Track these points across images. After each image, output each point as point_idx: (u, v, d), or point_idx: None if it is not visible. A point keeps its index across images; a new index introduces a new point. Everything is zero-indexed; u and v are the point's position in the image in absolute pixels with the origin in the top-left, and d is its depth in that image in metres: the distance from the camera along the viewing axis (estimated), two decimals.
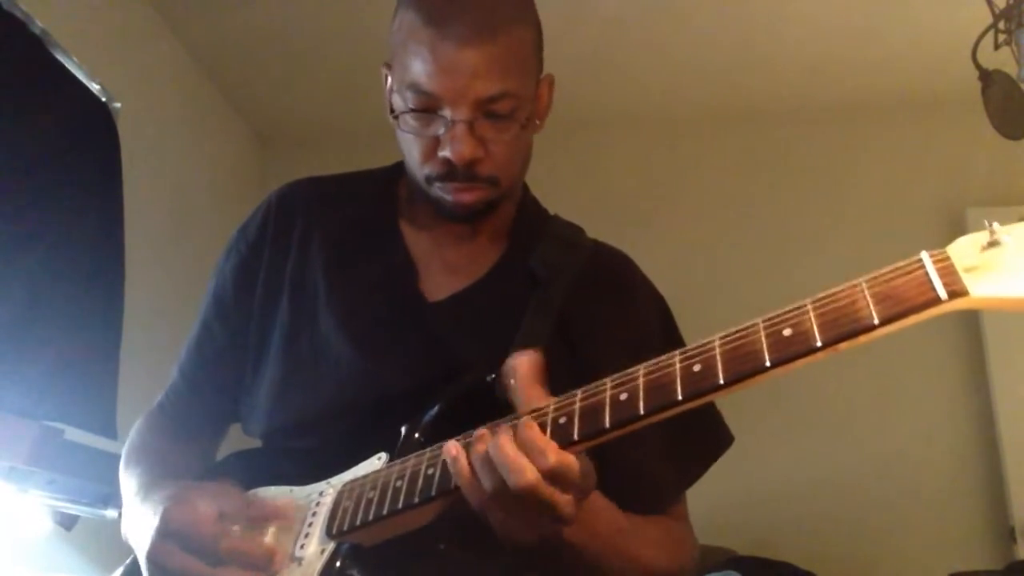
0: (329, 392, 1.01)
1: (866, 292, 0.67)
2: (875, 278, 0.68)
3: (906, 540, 2.81)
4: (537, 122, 1.06)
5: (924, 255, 0.67)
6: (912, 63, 3.10)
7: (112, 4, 2.75)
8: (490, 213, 1.05)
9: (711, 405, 1.03)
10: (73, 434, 2.01)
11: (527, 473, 0.72)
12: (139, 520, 0.96)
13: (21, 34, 2.17)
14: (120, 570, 1.04)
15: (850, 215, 3.26)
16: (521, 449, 0.74)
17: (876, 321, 0.65)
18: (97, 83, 2.43)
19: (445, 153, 0.96)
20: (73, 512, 2.02)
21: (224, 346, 1.13)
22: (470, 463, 0.77)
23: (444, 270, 1.07)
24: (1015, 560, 2.66)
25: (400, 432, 0.92)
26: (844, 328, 0.66)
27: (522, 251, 1.08)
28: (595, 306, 1.05)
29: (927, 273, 0.65)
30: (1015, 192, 3.06)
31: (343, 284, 1.07)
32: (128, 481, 1.08)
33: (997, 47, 2.10)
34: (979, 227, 0.69)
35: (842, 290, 0.69)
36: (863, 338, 0.66)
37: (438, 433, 0.88)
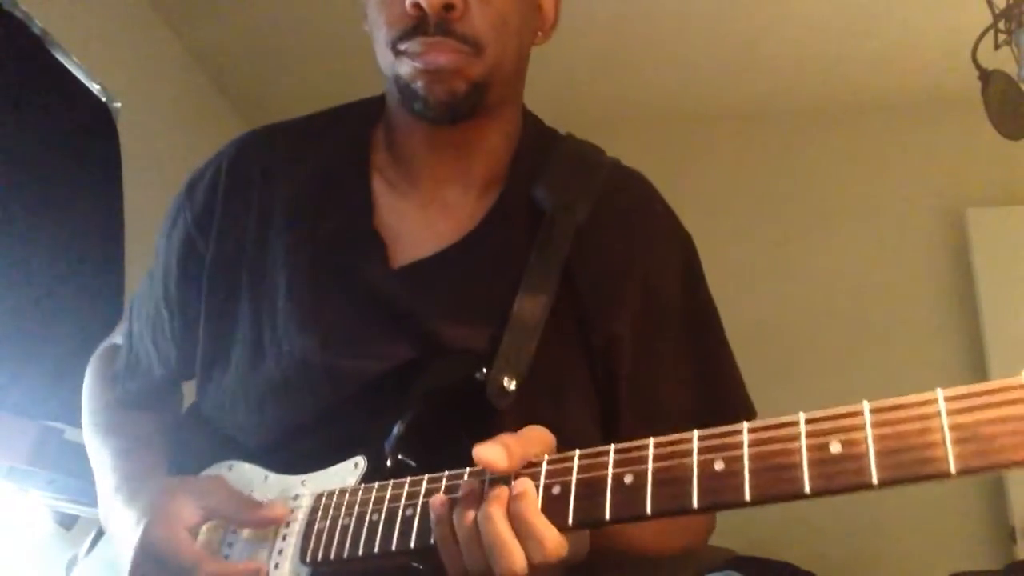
0: (302, 397, 0.89)
1: (944, 423, 0.51)
2: (959, 399, 0.52)
3: (906, 540, 2.81)
4: (539, 33, 0.96)
5: None
6: (912, 63, 3.10)
7: (112, 4, 2.75)
8: (477, 114, 0.89)
9: (738, 375, 0.94)
10: (73, 434, 2.01)
11: (516, 563, 0.64)
12: (119, 523, 0.91)
13: (21, 34, 2.17)
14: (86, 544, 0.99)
15: (850, 215, 3.25)
16: (514, 526, 0.65)
17: (952, 471, 0.50)
18: (97, 83, 2.43)
19: None
20: (73, 512, 2.02)
21: (175, 335, 1.00)
22: (452, 530, 0.68)
23: (424, 229, 0.92)
24: (1015, 560, 2.66)
25: (379, 432, 0.82)
26: (909, 469, 0.52)
27: (524, 186, 0.92)
28: (605, 248, 0.91)
29: None
30: (1015, 192, 3.06)
31: (307, 269, 0.92)
32: (100, 452, 1.01)
33: (997, 47, 2.10)
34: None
35: (912, 406, 0.54)
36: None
37: (420, 442, 0.80)
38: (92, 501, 0.98)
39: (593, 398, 0.90)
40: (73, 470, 1.87)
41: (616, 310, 0.89)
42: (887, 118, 3.32)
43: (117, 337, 1.12)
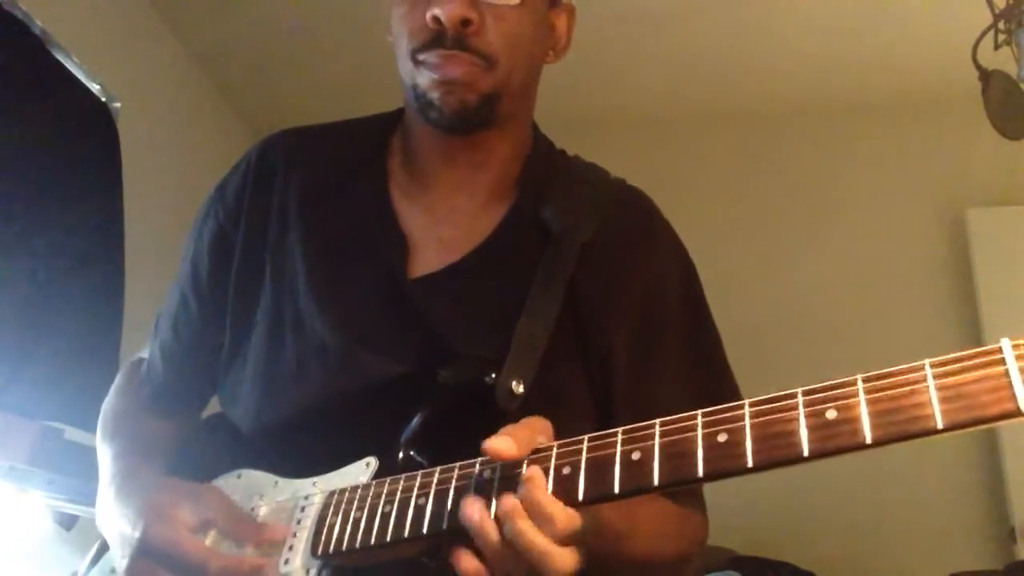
0: (316, 384, 0.92)
1: (931, 384, 0.57)
2: (943, 364, 0.58)
3: (906, 540, 2.80)
4: (551, 52, 1.02)
5: (1006, 345, 0.57)
6: (912, 63, 3.10)
7: (112, 4, 2.75)
8: (489, 126, 0.94)
9: (736, 387, 0.98)
10: (73, 434, 2.01)
11: (538, 545, 0.67)
12: (114, 522, 0.91)
13: (21, 34, 2.17)
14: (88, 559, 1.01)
15: (850, 215, 3.25)
16: (527, 512, 0.68)
17: (940, 426, 0.56)
18: (97, 83, 2.43)
19: (434, 11, 0.87)
20: (73, 512, 2.02)
21: (202, 325, 1.04)
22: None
23: (435, 235, 0.97)
24: (1015, 560, 2.66)
25: (389, 435, 0.85)
26: (900, 427, 0.57)
27: (532, 203, 0.97)
28: (607, 264, 0.95)
29: (1008, 375, 0.55)
30: (1015, 192, 3.06)
31: (323, 261, 0.97)
32: (104, 454, 1.02)
33: (997, 47, 2.10)
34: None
35: (901, 372, 0.59)
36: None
37: (430, 443, 0.83)
38: (92, 501, 0.99)
39: (590, 406, 0.93)
40: (73, 470, 1.87)
41: (615, 323, 0.93)
42: (887, 118, 3.32)
43: (145, 351, 1.15)
